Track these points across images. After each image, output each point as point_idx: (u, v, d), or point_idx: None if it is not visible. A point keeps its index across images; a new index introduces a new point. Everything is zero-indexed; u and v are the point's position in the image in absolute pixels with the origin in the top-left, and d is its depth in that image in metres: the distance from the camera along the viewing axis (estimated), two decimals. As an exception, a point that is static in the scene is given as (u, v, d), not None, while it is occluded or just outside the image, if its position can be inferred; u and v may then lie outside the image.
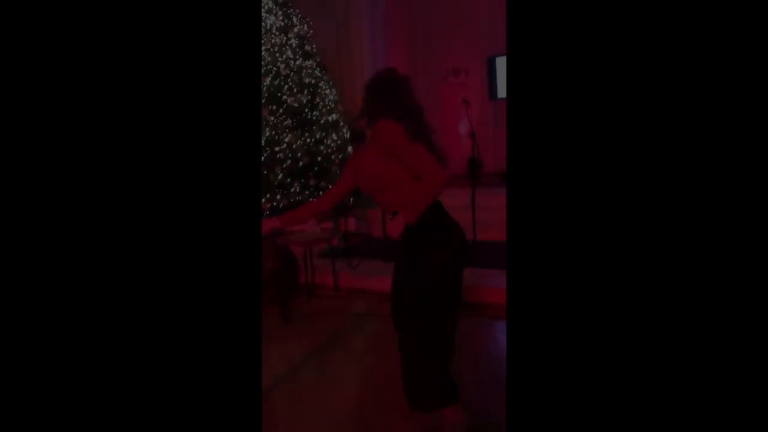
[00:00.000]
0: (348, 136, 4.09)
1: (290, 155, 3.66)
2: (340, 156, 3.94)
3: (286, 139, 3.66)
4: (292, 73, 3.84)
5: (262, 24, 3.75)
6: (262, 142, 3.57)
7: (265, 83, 3.70)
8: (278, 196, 3.59)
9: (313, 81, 3.95)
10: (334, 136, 3.97)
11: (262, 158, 3.55)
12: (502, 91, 6.09)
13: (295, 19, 4.01)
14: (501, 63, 6.01)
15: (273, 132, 3.63)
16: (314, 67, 4.05)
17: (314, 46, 4.22)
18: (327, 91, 4.09)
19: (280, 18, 3.91)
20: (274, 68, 3.78)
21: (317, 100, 3.97)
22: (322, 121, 3.93)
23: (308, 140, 3.78)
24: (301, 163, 3.68)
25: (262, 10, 3.75)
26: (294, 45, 3.93)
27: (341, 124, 4.03)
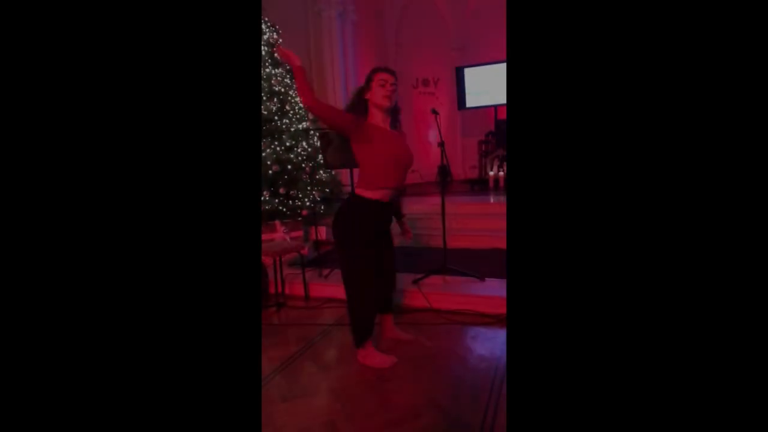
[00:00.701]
0: (318, 144, 4.07)
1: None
2: (310, 164, 3.91)
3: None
4: (261, 81, 3.80)
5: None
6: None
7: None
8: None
9: (282, 89, 3.93)
10: (304, 144, 3.95)
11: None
12: (470, 101, 6.21)
13: (264, 27, 3.98)
14: (469, 73, 6.14)
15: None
16: (284, 74, 4.03)
17: (284, 53, 4.19)
18: (297, 99, 4.07)
19: (249, 25, 3.87)
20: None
21: (287, 108, 3.94)
22: (292, 129, 3.90)
23: (278, 148, 3.74)
24: (270, 171, 3.63)
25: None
26: (263, 53, 3.89)
27: (311, 132, 4.01)
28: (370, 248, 1.96)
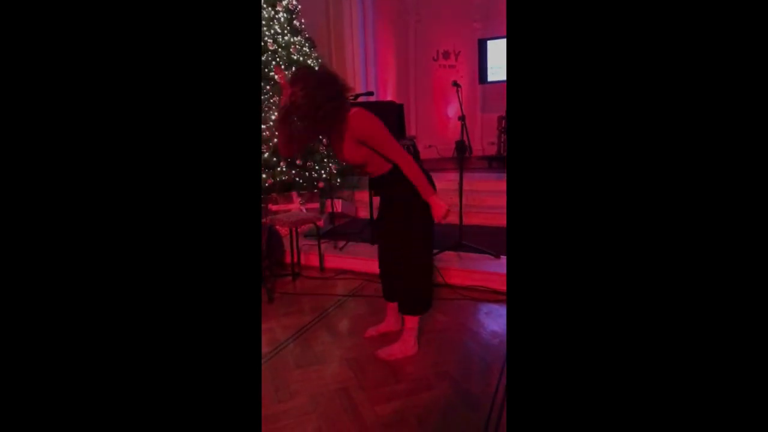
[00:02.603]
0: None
1: (277, 134, 3.59)
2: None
3: (273, 117, 3.59)
4: (280, 49, 3.74)
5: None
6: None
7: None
8: (264, 175, 3.54)
9: (301, 58, 3.86)
10: (322, 116, 3.92)
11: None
12: (492, 75, 6.05)
13: (283, -7, 3.89)
14: (492, 46, 5.95)
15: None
16: (303, 43, 3.96)
17: (303, 21, 4.12)
18: (315, 68, 4.01)
19: (269, -9, 3.79)
20: (261, 43, 3.69)
21: (305, 78, 3.89)
22: (310, 100, 3.86)
23: (295, 119, 3.72)
24: (287, 142, 3.62)
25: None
26: (282, 19, 3.82)
27: (329, 103, 3.97)
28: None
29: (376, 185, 1.90)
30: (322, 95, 1.57)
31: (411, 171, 1.70)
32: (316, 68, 1.67)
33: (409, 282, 1.89)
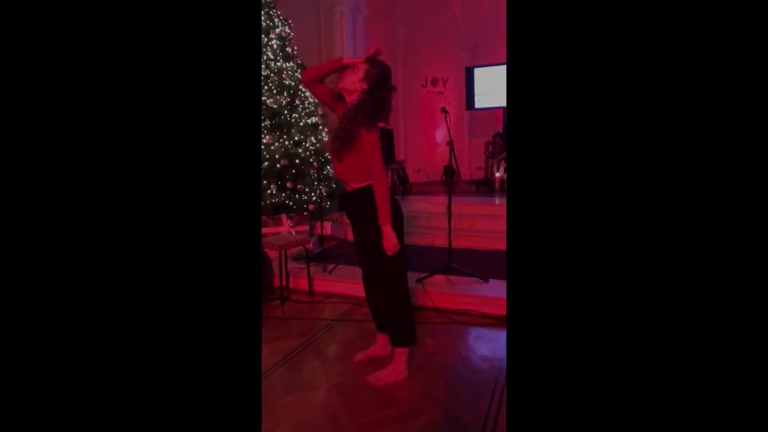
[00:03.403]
0: (326, 139, 4.08)
1: (267, 157, 3.62)
2: (320, 159, 3.92)
3: (264, 140, 3.62)
4: (272, 75, 3.80)
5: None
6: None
7: (244, 83, 3.65)
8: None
9: (293, 83, 3.93)
10: (313, 139, 3.95)
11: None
12: (479, 102, 6.20)
13: (276, 20, 3.98)
14: (479, 73, 6.12)
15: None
16: (295, 69, 4.03)
17: (295, 48, 4.20)
18: (307, 94, 4.07)
19: (262, 18, 3.88)
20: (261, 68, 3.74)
21: (297, 102, 3.95)
22: (301, 124, 3.91)
23: (286, 142, 3.75)
24: (278, 165, 3.64)
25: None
26: (275, 46, 3.90)
27: (320, 127, 4.02)
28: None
29: (347, 200, 1.93)
30: (387, 86, 1.82)
31: (382, 192, 1.76)
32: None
33: (394, 315, 1.92)
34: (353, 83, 1.79)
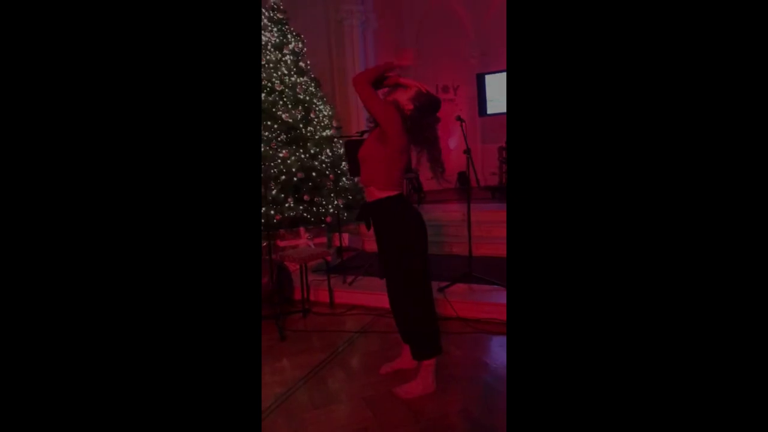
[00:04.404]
0: (342, 151, 4.10)
1: (284, 170, 3.65)
2: (335, 171, 3.95)
3: (281, 155, 3.66)
4: (286, 89, 3.86)
5: (257, 40, 3.78)
6: (257, 158, 3.57)
7: (259, 99, 3.71)
8: (272, 211, 3.58)
9: (307, 97, 3.98)
10: (328, 152, 3.99)
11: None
12: (491, 108, 6.20)
13: (290, 36, 4.05)
14: (490, 80, 6.13)
15: (267, 147, 3.63)
16: (308, 83, 4.08)
17: (308, 62, 4.26)
18: (321, 107, 4.11)
19: (276, 35, 3.95)
20: (269, 84, 3.80)
21: (311, 115, 3.99)
22: (316, 137, 3.95)
23: (302, 156, 3.79)
24: (295, 179, 3.68)
25: (257, 27, 3.79)
26: (289, 61, 3.96)
27: (335, 139, 4.05)
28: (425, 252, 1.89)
29: (369, 210, 1.92)
30: (429, 114, 1.86)
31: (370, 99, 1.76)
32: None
33: (417, 326, 1.89)
34: (402, 99, 1.83)
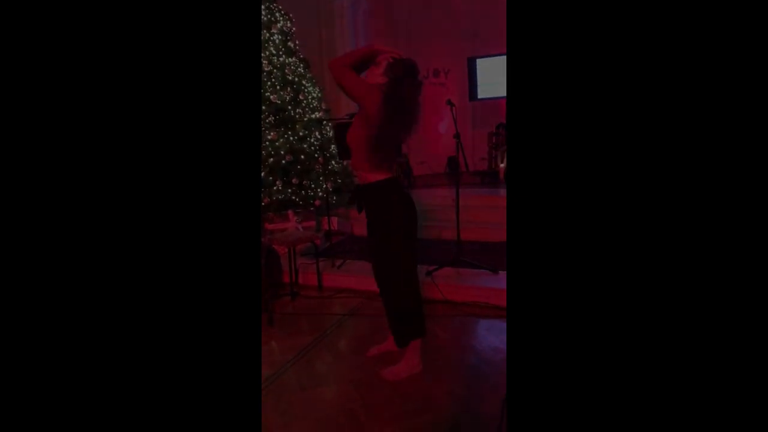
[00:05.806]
0: (331, 134, 4.06)
1: (273, 153, 3.61)
2: (324, 154, 3.91)
3: (269, 137, 3.61)
4: (275, 70, 3.78)
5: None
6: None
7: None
8: (260, 194, 3.54)
9: (296, 78, 3.91)
10: (317, 134, 3.94)
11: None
12: (482, 92, 6.17)
13: (278, 15, 3.95)
14: (481, 64, 6.08)
15: (255, 129, 3.58)
16: (297, 63, 4.01)
17: (297, 42, 4.17)
18: (310, 89, 4.05)
19: (263, 13, 3.85)
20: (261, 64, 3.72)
21: (300, 97, 3.93)
22: (305, 119, 3.90)
23: (291, 138, 3.74)
24: (283, 161, 3.64)
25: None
26: (277, 41, 3.87)
27: (324, 122, 4.01)
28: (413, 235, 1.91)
29: (360, 194, 1.92)
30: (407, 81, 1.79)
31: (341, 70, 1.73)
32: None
33: (403, 307, 1.89)
34: (374, 77, 1.79)
